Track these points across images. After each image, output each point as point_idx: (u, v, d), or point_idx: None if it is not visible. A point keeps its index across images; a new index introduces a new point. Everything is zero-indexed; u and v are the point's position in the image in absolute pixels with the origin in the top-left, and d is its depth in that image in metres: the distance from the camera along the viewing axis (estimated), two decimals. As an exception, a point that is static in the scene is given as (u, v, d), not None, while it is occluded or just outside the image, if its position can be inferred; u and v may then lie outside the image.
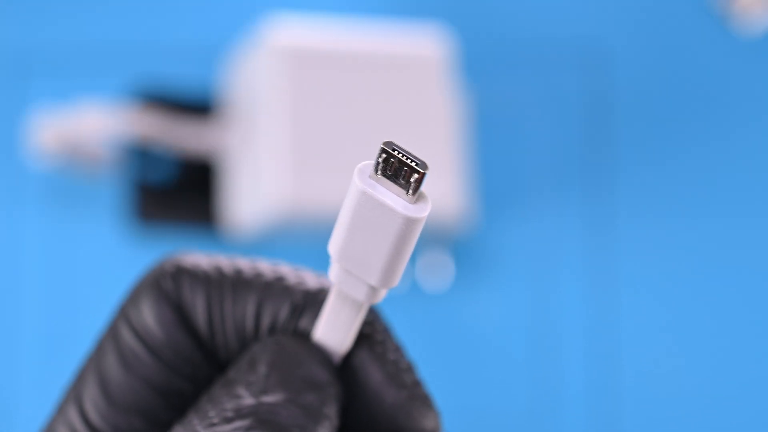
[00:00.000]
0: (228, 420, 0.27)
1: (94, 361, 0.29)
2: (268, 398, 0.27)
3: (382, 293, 0.27)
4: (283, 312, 0.29)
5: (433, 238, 0.66)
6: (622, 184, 0.69)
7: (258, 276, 0.29)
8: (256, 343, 0.29)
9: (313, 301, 0.29)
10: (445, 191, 0.62)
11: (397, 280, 0.26)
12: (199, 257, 0.30)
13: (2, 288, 0.64)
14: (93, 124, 0.63)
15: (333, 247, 0.26)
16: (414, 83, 0.63)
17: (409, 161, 0.25)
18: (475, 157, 0.67)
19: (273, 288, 0.29)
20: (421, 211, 0.25)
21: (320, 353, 0.28)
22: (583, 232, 0.68)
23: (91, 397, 0.29)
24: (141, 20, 0.69)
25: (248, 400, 0.27)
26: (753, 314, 0.68)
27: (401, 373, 0.29)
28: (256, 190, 0.62)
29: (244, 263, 0.30)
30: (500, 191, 0.68)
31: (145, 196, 0.65)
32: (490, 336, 0.66)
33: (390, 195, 0.25)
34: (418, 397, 0.28)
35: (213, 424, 0.27)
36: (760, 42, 0.72)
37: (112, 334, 0.29)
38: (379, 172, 0.25)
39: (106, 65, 0.68)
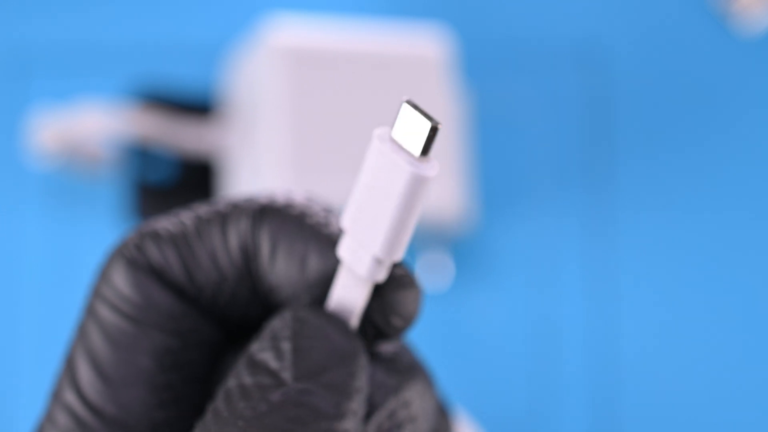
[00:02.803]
0: (261, 414, 0.26)
1: (81, 345, 0.30)
2: (299, 384, 0.27)
3: (385, 269, 0.27)
4: (244, 226, 0.30)
5: (433, 238, 0.66)
6: (622, 183, 0.69)
7: (215, 211, 0.30)
8: (275, 317, 0.29)
9: (268, 209, 0.30)
10: (445, 191, 0.62)
11: (400, 252, 0.27)
12: (158, 220, 0.31)
13: (2, 288, 0.64)
14: (93, 124, 0.63)
15: (344, 217, 0.27)
16: (414, 83, 0.63)
17: (424, 117, 0.26)
18: (475, 157, 0.67)
19: (230, 214, 0.30)
20: (427, 170, 0.26)
21: (340, 322, 0.28)
22: (583, 232, 0.68)
23: (87, 380, 0.29)
24: (141, 20, 0.69)
25: (278, 391, 0.27)
26: (754, 314, 0.68)
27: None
28: (255, 191, 0.62)
29: (201, 208, 0.31)
30: (500, 191, 0.68)
31: (145, 196, 0.65)
32: (490, 336, 0.66)
33: (401, 152, 0.26)
34: (403, 281, 0.29)
35: (246, 418, 0.27)
36: (760, 42, 0.72)
37: (91, 315, 0.30)
38: (395, 131, 0.26)
39: (106, 65, 0.68)
